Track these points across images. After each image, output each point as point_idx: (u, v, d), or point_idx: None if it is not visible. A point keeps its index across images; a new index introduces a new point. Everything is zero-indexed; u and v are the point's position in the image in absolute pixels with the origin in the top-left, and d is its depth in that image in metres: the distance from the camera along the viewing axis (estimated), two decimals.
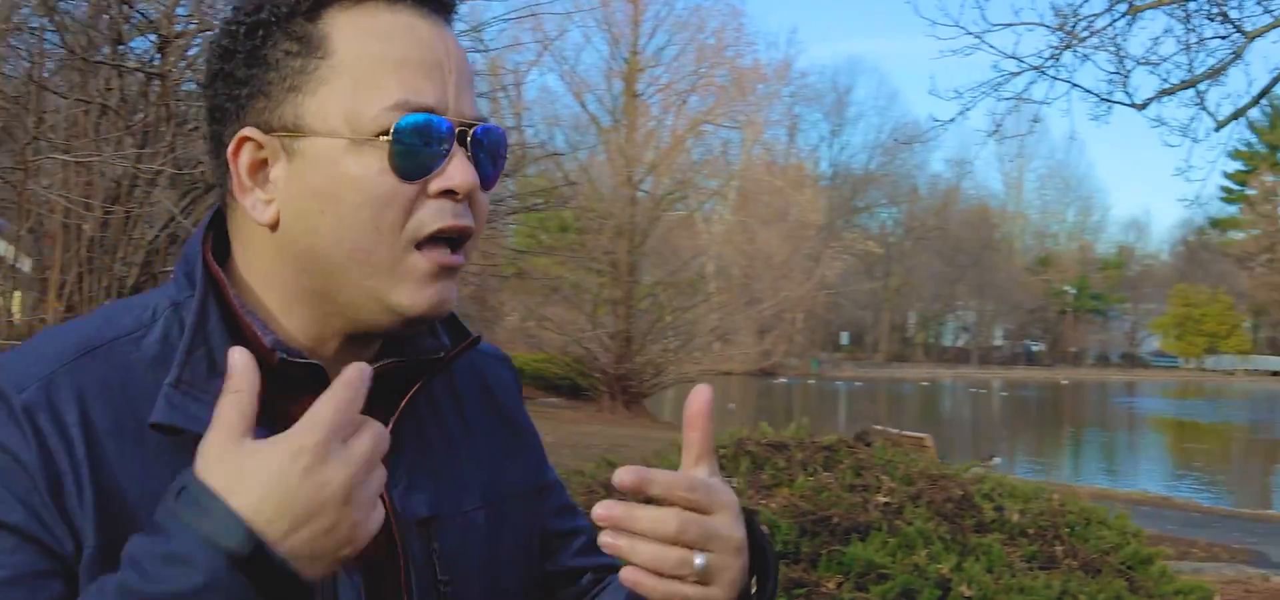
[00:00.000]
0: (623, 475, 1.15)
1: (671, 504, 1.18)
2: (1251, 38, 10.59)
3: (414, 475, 1.35)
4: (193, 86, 7.89)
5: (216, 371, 1.18)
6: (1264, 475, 32.78)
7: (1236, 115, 11.12)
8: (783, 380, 65.04)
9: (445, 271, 1.25)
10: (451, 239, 1.26)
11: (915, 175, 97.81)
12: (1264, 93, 10.86)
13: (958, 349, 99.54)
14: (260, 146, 1.24)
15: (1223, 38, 10.78)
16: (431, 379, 1.37)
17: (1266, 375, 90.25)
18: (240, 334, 1.24)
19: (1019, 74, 10.99)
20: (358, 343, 1.30)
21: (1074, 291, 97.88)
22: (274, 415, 1.14)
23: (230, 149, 1.25)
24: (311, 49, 1.23)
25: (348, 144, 1.21)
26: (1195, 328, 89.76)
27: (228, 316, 1.26)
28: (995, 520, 6.54)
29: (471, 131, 1.26)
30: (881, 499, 6.46)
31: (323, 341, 1.29)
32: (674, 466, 1.25)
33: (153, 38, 8.06)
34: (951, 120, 11.47)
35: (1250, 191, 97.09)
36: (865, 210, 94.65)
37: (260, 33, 1.23)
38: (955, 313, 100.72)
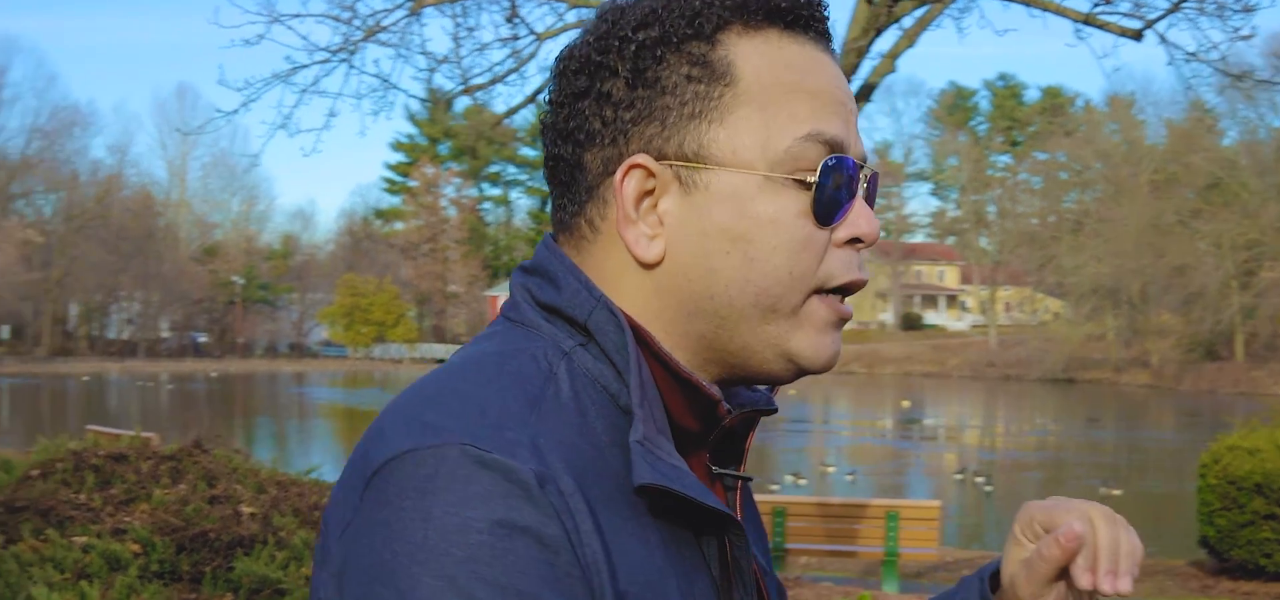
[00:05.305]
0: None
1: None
2: (543, 38, 11.16)
3: (749, 529, 1.25)
4: None
5: (661, 429, 1.08)
6: None
7: (510, 112, 11.82)
8: None
9: (840, 322, 1.17)
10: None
11: (75, 161, 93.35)
12: (537, 92, 11.37)
13: (123, 341, 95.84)
14: (650, 175, 1.12)
15: (517, 38, 11.20)
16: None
17: (433, 362, 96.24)
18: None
19: (309, 65, 10.73)
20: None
21: (241, 282, 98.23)
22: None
23: (618, 176, 1.12)
24: (716, 75, 1.12)
25: (762, 181, 1.11)
26: (363, 317, 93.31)
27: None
28: None
29: (869, 176, 1.18)
30: (248, 509, 6.40)
31: None
32: None
33: None
34: (235, 112, 10.99)
35: (412, 183, 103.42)
36: (21, 197, 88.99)
37: (657, 51, 1.12)
38: (120, 304, 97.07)
